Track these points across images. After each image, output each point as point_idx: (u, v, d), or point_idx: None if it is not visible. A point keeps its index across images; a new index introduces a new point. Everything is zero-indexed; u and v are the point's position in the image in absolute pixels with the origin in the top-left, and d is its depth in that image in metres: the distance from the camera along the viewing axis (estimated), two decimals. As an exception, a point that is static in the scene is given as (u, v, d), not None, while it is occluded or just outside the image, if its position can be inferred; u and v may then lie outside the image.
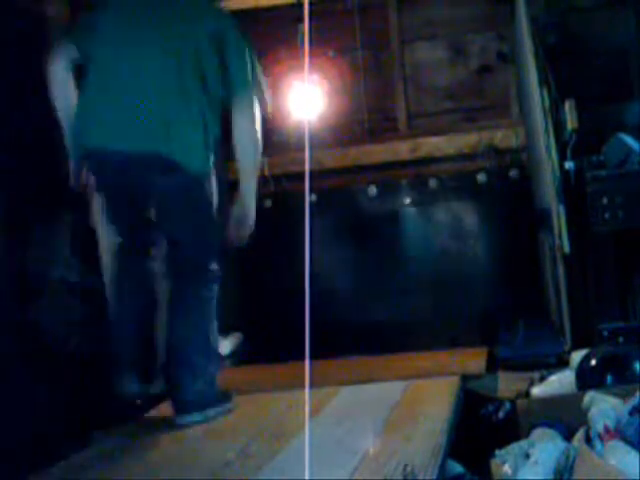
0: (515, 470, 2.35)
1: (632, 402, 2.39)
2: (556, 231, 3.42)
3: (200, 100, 2.87)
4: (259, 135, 2.95)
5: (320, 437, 2.44)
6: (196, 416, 2.87)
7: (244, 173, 2.96)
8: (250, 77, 2.95)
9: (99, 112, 2.88)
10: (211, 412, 2.90)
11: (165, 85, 2.85)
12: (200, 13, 2.98)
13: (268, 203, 4.88)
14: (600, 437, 2.29)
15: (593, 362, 2.90)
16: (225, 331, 3.89)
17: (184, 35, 2.88)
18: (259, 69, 3.03)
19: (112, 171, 2.90)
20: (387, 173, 4.91)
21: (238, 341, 4.17)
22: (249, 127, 2.92)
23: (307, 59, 3.78)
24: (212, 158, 2.92)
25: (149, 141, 2.81)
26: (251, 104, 2.93)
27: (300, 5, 3.89)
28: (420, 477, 2.04)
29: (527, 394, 2.95)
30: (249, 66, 2.96)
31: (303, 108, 4.29)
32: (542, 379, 3.07)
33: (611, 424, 2.32)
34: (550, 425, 2.61)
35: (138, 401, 3.22)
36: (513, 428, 2.74)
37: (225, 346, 3.94)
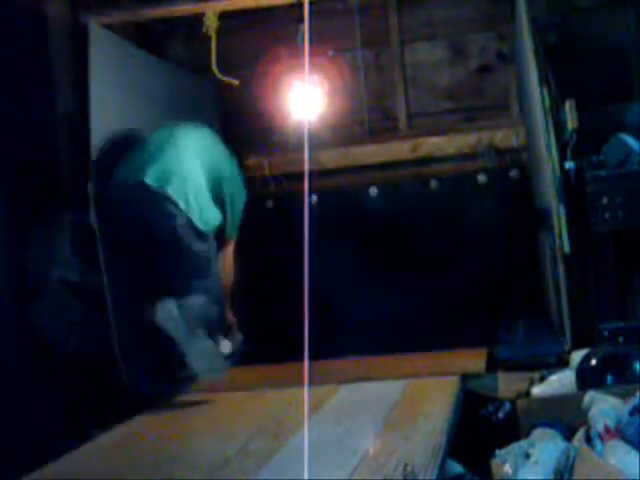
0: (515, 470, 2.35)
1: (632, 402, 2.39)
2: (556, 231, 3.41)
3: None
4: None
5: (320, 436, 2.43)
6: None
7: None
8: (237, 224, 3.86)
9: (143, 161, 3.61)
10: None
11: (194, 168, 3.64)
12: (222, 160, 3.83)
13: (269, 204, 4.89)
14: (600, 437, 2.29)
15: (593, 362, 2.89)
16: (226, 331, 3.93)
17: (210, 159, 3.74)
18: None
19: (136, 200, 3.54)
20: (387, 173, 4.91)
21: (238, 341, 4.16)
22: (231, 255, 3.89)
23: (307, 59, 3.78)
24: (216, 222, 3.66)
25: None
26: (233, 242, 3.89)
27: (300, 5, 3.88)
28: (420, 477, 2.04)
29: (527, 394, 2.95)
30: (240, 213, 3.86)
31: (303, 108, 4.28)
32: (542, 379, 3.07)
33: (611, 424, 2.32)
34: (550, 425, 2.61)
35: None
36: (513, 428, 2.74)
37: (226, 346, 3.95)
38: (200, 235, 3.55)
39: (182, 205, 3.49)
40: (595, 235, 3.50)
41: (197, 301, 3.50)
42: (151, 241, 3.54)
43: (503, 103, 4.88)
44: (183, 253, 3.53)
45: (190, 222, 3.50)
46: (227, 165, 3.81)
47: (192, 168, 3.63)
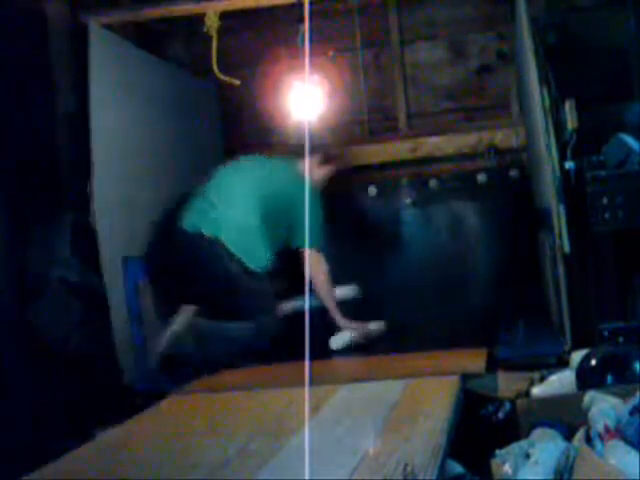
0: (515, 470, 2.34)
1: (632, 402, 2.39)
2: (556, 231, 3.41)
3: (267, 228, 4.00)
4: (327, 270, 4.12)
5: (320, 436, 2.43)
6: None
7: (320, 296, 4.09)
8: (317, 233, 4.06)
9: (206, 212, 4.04)
10: None
11: (247, 212, 4.01)
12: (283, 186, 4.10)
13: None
14: (600, 437, 2.28)
15: (593, 362, 2.89)
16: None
17: (268, 191, 4.06)
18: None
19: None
20: (387, 173, 4.91)
21: (348, 340, 4.16)
22: (323, 268, 4.10)
23: (307, 59, 3.78)
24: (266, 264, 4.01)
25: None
26: (319, 256, 4.09)
27: (300, 5, 3.88)
28: (420, 477, 2.03)
29: (527, 394, 2.94)
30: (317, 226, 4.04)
31: (303, 108, 4.28)
32: (542, 379, 3.06)
33: (611, 424, 2.31)
34: (550, 425, 2.61)
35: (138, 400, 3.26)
36: (513, 428, 2.73)
37: (336, 342, 4.05)
38: (251, 274, 3.95)
39: (233, 249, 3.91)
40: (595, 235, 3.50)
41: (236, 325, 3.87)
42: (206, 280, 3.93)
43: (503, 103, 4.89)
44: (233, 290, 3.95)
45: (241, 263, 3.92)
46: (289, 188, 4.05)
47: (245, 212, 4.02)
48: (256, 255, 3.99)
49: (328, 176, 4.29)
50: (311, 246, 4.09)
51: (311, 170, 4.27)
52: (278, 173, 4.18)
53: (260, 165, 4.26)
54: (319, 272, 4.10)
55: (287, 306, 4.15)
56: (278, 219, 4.04)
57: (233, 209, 4.05)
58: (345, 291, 4.33)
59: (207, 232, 3.96)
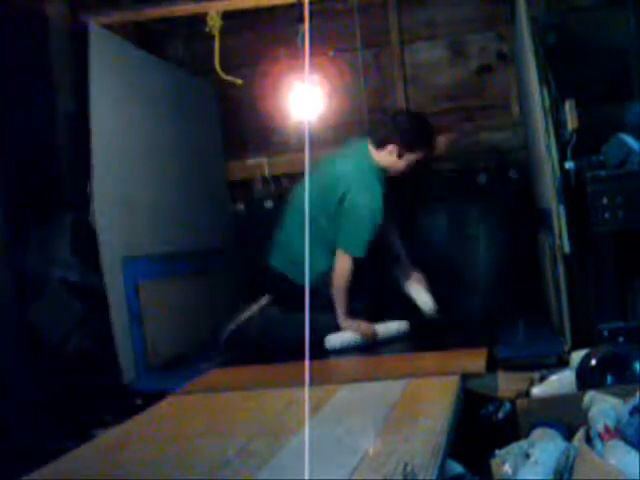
0: (515, 470, 2.35)
1: (632, 402, 2.39)
2: (556, 231, 3.41)
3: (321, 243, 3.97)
4: (346, 273, 4.02)
5: (320, 436, 2.43)
6: None
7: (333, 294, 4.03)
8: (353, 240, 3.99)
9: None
10: None
11: (290, 227, 4.11)
12: (338, 187, 4.01)
13: (269, 204, 4.89)
14: (600, 437, 2.28)
15: (593, 362, 2.89)
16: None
17: (321, 210, 4.00)
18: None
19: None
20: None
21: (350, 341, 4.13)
22: (341, 270, 4.01)
23: (307, 59, 3.78)
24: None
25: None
26: (345, 258, 4.00)
27: (300, 5, 3.88)
28: (420, 477, 2.03)
29: (527, 394, 2.95)
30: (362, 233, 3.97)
31: (303, 108, 4.28)
32: (542, 379, 3.07)
33: (611, 424, 2.31)
34: (550, 425, 2.61)
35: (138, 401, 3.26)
36: (513, 428, 2.73)
37: (330, 341, 3.98)
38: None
39: (283, 272, 4.08)
40: (595, 235, 3.50)
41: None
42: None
43: (503, 103, 4.89)
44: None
45: (292, 283, 3.92)
46: (335, 199, 4.00)
47: (287, 228, 4.12)
48: (304, 271, 3.93)
49: (403, 170, 4.11)
50: (347, 249, 4.01)
51: (385, 158, 4.08)
52: (335, 166, 4.09)
53: (317, 169, 4.08)
54: (340, 274, 4.01)
55: (336, 339, 3.99)
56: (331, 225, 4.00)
57: (280, 229, 4.18)
58: (395, 326, 4.15)
59: (270, 261, 4.18)
